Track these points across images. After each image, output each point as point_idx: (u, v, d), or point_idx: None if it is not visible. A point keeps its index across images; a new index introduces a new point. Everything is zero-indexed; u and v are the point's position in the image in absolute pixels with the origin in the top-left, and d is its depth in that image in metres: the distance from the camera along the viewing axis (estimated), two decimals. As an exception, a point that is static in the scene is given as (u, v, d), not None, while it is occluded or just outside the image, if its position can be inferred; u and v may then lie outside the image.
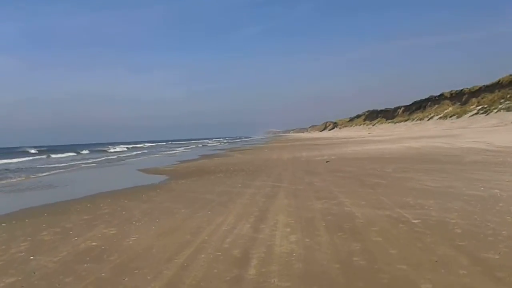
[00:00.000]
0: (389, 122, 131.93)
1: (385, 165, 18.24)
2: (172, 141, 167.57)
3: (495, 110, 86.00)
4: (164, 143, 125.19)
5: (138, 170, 25.29)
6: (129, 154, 52.31)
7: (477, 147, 24.10)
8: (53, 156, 54.90)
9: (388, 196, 10.56)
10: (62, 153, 62.30)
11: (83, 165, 33.15)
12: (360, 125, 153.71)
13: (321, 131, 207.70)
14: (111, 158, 43.21)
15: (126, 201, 12.45)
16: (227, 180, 16.87)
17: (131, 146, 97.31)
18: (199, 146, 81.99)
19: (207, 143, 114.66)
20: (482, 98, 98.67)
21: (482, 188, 10.72)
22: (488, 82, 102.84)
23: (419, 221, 7.72)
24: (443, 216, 7.99)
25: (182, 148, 69.51)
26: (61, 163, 36.45)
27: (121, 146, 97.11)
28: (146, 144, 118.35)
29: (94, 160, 40.46)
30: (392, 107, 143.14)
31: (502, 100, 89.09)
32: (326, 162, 22.49)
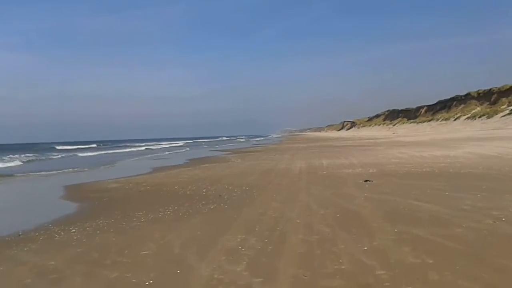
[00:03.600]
0: (411, 122, 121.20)
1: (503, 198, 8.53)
2: (190, 139, 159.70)
3: (532, 110, 75.81)
4: (181, 142, 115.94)
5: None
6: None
7: None
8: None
9: None
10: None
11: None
12: (380, 125, 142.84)
13: (338, 130, 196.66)
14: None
15: None
16: (163, 232, 7.34)
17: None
18: (204, 146, 72.65)
19: (218, 141, 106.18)
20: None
21: None
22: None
23: None
24: None
25: (186, 149, 60.34)
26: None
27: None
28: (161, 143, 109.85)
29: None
30: (414, 107, 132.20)
31: (539, 100, 79.02)
32: (366, 182, 12.81)
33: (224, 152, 40.33)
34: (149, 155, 41.11)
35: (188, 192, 12.46)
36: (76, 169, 24.91)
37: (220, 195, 11.55)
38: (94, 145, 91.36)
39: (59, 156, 43.34)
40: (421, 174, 13.98)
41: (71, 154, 48.76)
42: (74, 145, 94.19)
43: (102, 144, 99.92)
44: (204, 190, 12.68)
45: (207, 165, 22.67)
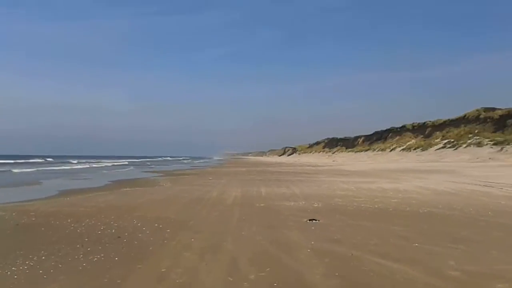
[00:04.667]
0: (349, 151, 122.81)
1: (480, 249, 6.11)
2: (136, 157, 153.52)
3: (464, 145, 78.31)
4: (126, 161, 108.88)
5: None
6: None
7: None
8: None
9: None
10: None
11: None
12: (319, 152, 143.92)
13: (280, 155, 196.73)
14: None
15: None
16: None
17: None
18: (149, 165, 68.29)
19: (163, 161, 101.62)
20: (447, 132, 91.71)
21: None
22: (451, 116, 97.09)
23: None
24: None
25: (127, 168, 55.88)
26: None
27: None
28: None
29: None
30: (352, 136, 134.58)
31: (470, 135, 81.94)
32: (311, 221, 10.19)
33: (158, 174, 36.72)
34: (76, 174, 36.69)
35: (79, 230, 9.20)
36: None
37: (119, 236, 8.42)
38: (40, 160, 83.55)
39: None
40: (374, 213, 11.57)
41: (5, 169, 41.98)
42: (13, 159, 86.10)
43: (45, 159, 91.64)
44: (102, 227, 9.47)
45: (127, 189, 19.23)
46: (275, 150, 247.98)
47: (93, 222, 10.21)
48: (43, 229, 9.35)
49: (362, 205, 13.03)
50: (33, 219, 10.75)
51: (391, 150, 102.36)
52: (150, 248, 7.44)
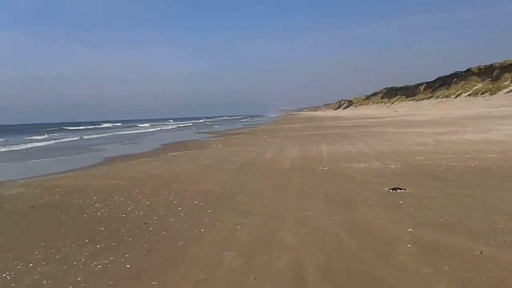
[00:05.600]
0: (410, 100, 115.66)
1: None
2: (195, 118, 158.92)
3: (538, 86, 70.82)
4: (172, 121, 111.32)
5: None
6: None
7: None
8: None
9: None
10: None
11: None
12: (377, 103, 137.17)
13: (335, 109, 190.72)
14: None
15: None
16: None
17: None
18: (212, 125, 67.53)
19: (211, 121, 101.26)
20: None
21: None
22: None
23: None
24: None
25: (188, 128, 55.24)
26: None
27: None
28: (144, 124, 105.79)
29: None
30: (412, 84, 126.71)
31: (544, 75, 73.95)
32: (395, 191, 7.67)
33: (211, 134, 35.01)
34: (137, 137, 35.92)
35: (100, 213, 7.28)
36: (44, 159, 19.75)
37: (145, 223, 6.40)
38: (109, 125, 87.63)
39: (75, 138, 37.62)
40: (475, 174, 8.81)
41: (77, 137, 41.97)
42: (82, 125, 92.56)
43: (113, 124, 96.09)
44: (130, 207, 7.51)
45: (175, 153, 17.40)
46: (329, 104, 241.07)
47: (122, 199, 8.29)
48: (58, 212, 7.52)
49: (453, 164, 10.24)
50: (56, 197, 9.02)
51: (456, 97, 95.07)
52: (180, 244, 5.31)
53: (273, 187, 8.74)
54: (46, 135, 44.15)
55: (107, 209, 7.54)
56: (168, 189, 9.07)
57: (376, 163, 11.17)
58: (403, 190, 7.77)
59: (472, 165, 10.01)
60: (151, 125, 79.62)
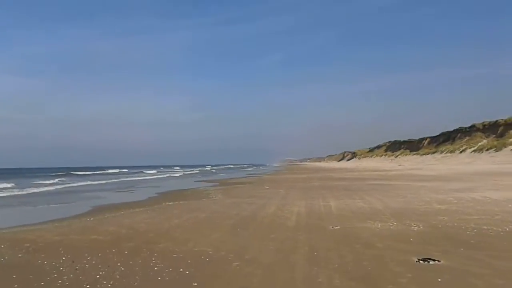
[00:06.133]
0: (414, 154, 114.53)
1: None
2: (200, 165, 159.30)
3: (545, 144, 69.78)
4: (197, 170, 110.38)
5: None
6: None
7: None
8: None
9: None
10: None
11: None
12: (381, 156, 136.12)
13: (338, 161, 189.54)
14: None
15: None
16: None
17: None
18: (217, 172, 66.12)
19: (216, 169, 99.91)
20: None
21: None
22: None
23: None
24: None
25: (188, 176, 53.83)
26: None
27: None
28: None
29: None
30: (416, 138, 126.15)
31: (551, 133, 73.15)
32: (424, 262, 6.18)
33: (212, 183, 33.54)
34: (137, 184, 34.46)
35: (62, 280, 5.80)
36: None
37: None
38: (116, 170, 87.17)
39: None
40: (519, 243, 7.32)
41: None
42: (90, 170, 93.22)
43: (119, 169, 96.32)
44: (99, 274, 6.03)
45: (169, 203, 15.95)
46: (333, 155, 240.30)
47: (94, 262, 6.81)
48: (14, 277, 6.05)
49: (485, 228, 8.75)
50: (20, 255, 7.54)
51: (460, 152, 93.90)
52: None
53: (276, 251, 7.24)
54: (52, 180, 42.76)
55: (71, 275, 6.05)
56: (152, 250, 7.59)
57: (395, 223, 9.68)
58: (436, 261, 6.27)
59: (507, 229, 8.52)
60: (158, 172, 79.46)
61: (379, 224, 9.62)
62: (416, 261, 6.33)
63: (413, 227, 9.14)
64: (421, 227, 9.11)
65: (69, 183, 37.36)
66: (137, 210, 14.11)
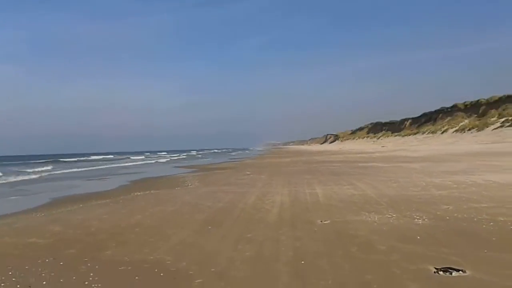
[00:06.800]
0: (396, 135, 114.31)
1: None
2: (184, 151, 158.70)
3: (527, 123, 69.71)
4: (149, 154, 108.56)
5: None
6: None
7: None
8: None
9: None
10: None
11: None
12: (363, 138, 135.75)
13: (321, 143, 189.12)
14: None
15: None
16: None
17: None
18: (204, 157, 64.21)
19: (202, 154, 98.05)
20: (503, 110, 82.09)
21: None
22: (508, 92, 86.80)
23: None
24: None
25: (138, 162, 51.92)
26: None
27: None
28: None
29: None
30: (398, 119, 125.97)
31: (532, 111, 73.26)
32: (445, 274, 4.64)
33: (191, 169, 31.73)
34: (116, 170, 32.44)
35: None
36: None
37: None
38: (98, 157, 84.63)
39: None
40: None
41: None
42: (75, 157, 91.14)
43: (103, 156, 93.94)
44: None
45: (138, 193, 14.20)
46: (316, 138, 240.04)
47: (14, 279, 5.14)
48: None
49: (501, 219, 7.30)
50: None
51: (442, 133, 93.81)
52: None
53: (253, 259, 5.63)
54: (41, 168, 40.22)
55: None
56: (96, 259, 5.91)
57: (394, 215, 8.16)
58: (461, 272, 4.75)
59: (529, 221, 7.08)
60: (146, 157, 77.14)
61: (376, 217, 8.09)
62: (435, 272, 4.80)
63: (416, 220, 7.64)
64: (426, 220, 7.61)
65: (55, 171, 35.26)
66: (99, 202, 12.33)
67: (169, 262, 5.66)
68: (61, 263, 5.80)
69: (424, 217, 7.83)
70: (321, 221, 7.93)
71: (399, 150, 54.04)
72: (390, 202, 9.68)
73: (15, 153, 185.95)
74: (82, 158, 79.52)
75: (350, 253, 5.71)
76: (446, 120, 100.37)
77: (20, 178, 27.25)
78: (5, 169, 38.53)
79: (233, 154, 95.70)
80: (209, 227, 7.81)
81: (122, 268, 5.46)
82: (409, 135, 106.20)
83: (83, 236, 7.53)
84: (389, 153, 44.84)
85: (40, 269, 5.55)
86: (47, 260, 5.96)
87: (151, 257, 5.91)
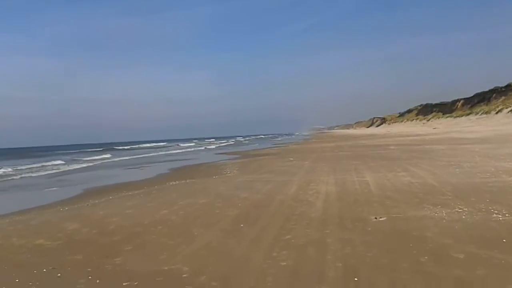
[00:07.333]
0: (447, 117, 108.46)
1: None
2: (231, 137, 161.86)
3: None
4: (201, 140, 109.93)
5: None
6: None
7: None
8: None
9: None
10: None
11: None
12: (412, 120, 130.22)
13: (367, 127, 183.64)
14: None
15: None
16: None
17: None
18: (209, 147, 63.68)
19: (249, 140, 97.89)
20: None
21: None
22: None
23: None
24: None
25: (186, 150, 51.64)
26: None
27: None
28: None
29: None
30: (449, 100, 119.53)
31: None
32: None
33: (233, 156, 30.73)
34: (162, 157, 32.23)
35: None
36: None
37: None
38: (163, 144, 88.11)
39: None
40: None
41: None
42: (128, 145, 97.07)
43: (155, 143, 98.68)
44: None
45: (175, 183, 13.27)
46: (361, 121, 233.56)
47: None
48: None
49: None
50: None
51: (497, 113, 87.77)
52: None
53: (290, 273, 4.36)
54: (96, 156, 41.19)
55: None
56: (99, 270, 4.85)
57: (465, 209, 6.61)
58: None
59: None
60: (196, 144, 78.94)
61: (443, 211, 6.57)
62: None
63: (495, 216, 6.08)
64: (507, 216, 6.03)
65: (114, 158, 36.50)
66: (129, 193, 11.46)
67: (185, 275, 4.50)
68: (59, 275, 4.78)
69: (504, 212, 6.25)
70: (376, 218, 6.52)
71: (453, 132, 50.66)
72: (457, 192, 8.08)
73: (72, 142, 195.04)
74: (135, 146, 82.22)
75: (419, 265, 4.31)
76: (501, 99, 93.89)
77: (78, 165, 28.17)
78: (65, 157, 40.43)
79: (279, 139, 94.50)
80: (241, 225, 6.60)
81: (126, 283, 4.35)
82: (461, 116, 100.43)
83: (97, 236, 6.54)
84: (442, 135, 41.95)
85: (30, 284, 4.54)
86: (44, 270, 4.97)
87: (166, 268, 4.77)
